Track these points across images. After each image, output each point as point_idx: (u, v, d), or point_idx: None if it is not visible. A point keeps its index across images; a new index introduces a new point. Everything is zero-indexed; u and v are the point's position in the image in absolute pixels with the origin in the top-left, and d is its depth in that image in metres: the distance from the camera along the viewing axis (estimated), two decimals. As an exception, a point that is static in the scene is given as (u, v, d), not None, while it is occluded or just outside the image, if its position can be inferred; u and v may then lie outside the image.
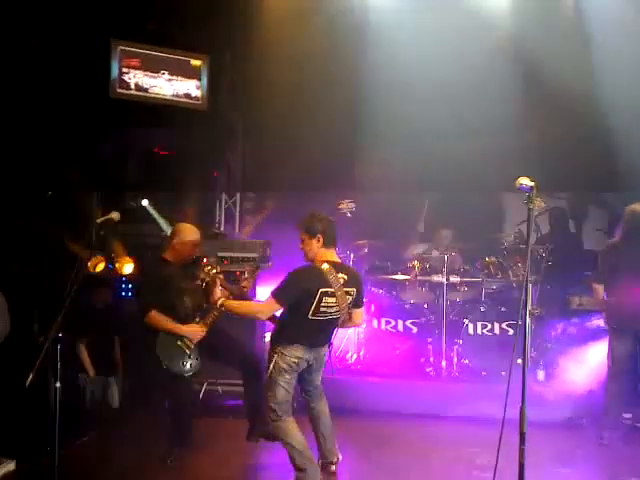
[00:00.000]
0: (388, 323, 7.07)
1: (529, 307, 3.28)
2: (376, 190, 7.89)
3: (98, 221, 3.57)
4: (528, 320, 3.28)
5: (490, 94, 7.17)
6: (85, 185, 7.39)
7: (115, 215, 3.65)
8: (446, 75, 7.36)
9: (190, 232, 4.92)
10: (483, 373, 6.48)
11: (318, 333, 4.34)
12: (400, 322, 7.09)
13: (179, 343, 4.69)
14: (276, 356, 4.22)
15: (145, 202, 7.96)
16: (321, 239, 4.29)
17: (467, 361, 6.68)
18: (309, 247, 4.31)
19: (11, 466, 4.30)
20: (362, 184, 7.85)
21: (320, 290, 4.16)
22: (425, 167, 8.27)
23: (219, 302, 4.40)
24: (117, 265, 7.40)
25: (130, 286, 7.43)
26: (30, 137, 6.88)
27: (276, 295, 4.18)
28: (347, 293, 4.29)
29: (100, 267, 7.10)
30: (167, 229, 7.77)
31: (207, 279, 4.62)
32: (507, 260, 6.97)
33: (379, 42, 7.90)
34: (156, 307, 4.66)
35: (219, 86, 8.48)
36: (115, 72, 7.92)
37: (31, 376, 3.06)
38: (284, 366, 4.21)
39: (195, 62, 8.28)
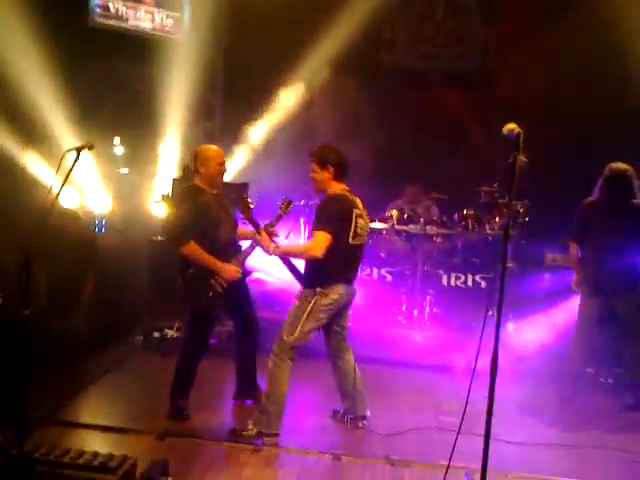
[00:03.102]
0: (363, 270, 7.05)
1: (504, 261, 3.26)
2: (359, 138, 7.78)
3: (72, 147, 3.42)
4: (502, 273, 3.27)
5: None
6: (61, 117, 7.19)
7: (88, 143, 3.51)
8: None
9: (211, 152, 4.54)
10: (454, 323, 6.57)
11: (355, 263, 4.37)
12: (375, 270, 7.10)
13: (212, 281, 4.41)
14: (316, 296, 4.16)
15: (117, 140, 7.79)
16: (332, 170, 4.23)
17: (438, 311, 6.75)
18: (320, 177, 4.26)
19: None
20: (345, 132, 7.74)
21: (354, 211, 4.21)
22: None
23: (271, 248, 4.25)
24: (91, 200, 7.28)
25: (103, 222, 7.30)
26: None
27: (321, 226, 4.09)
28: (367, 216, 4.39)
29: (74, 201, 6.96)
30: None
31: (248, 215, 4.47)
32: (484, 213, 6.98)
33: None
34: (193, 238, 4.33)
35: (201, 20, 8.22)
36: (95, 0, 7.63)
37: (-1, 300, 2.99)
38: (323, 305, 4.17)
39: (177, -6, 8.01)
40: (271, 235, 4.38)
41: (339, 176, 4.28)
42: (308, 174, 4.35)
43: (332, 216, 4.14)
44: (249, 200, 4.43)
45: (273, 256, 4.37)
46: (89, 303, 6.07)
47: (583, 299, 5.48)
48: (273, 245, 4.27)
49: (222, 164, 4.57)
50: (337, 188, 4.27)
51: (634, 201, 5.20)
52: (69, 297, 5.96)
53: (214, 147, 4.63)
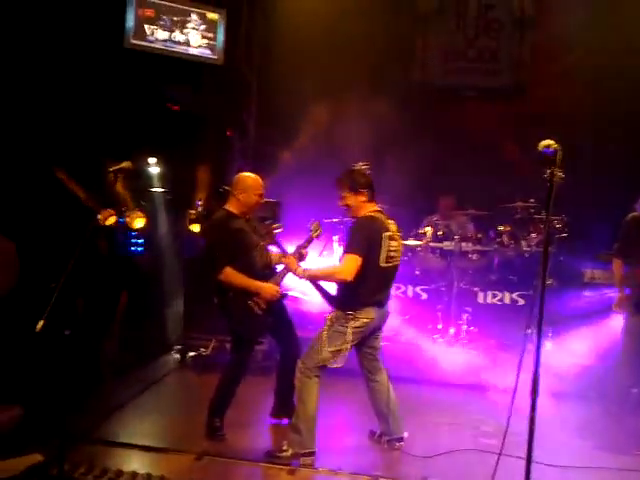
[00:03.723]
0: (398, 288, 7.03)
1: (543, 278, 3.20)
2: (392, 155, 7.75)
3: (110, 169, 3.48)
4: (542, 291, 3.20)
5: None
6: (96, 138, 7.29)
7: (127, 164, 3.57)
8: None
9: (252, 181, 4.61)
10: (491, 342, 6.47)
11: (387, 286, 4.34)
12: (410, 288, 7.07)
13: (250, 302, 4.47)
14: (347, 318, 4.15)
15: (152, 160, 7.88)
16: (366, 194, 4.25)
17: (475, 329, 6.66)
18: (354, 203, 4.26)
19: (18, 412, 4.31)
20: (378, 149, 7.71)
21: (384, 234, 4.19)
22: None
23: (299, 271, 4.25)
24: (128, 219, 7.36)
25: (141, 241, 7.38)
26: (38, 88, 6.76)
27: (351, 249, 4.08)
28: (400, 237, 4.37)
29: (111, 220, 7.04)
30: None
31: (268, 239, 4.51)
32: (520, 230, 6.89)
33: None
34: (229, 263, 4.40)
35: (235, 41, 8.33)
36: (130, 22, 7.75)
37: (41, 322, 3.02)
38: (353, 328, 4.15)
39: (212, 15, 8.10)
40: (302, 257, 4.42)
41: (372, 198, 4.30)
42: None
43: (362, 239, 4.12)
44: (274, 225, 4.45)
45: (301, 279, 4.36)
46: (124, 321, 6.13)
47: (628, 317, 5.33)
48: (301, 269, 4.26)
49: (261, 195, 4.63)
50: (368, 210, 4.27)
51: None
52: (104, 316, 6.02)
53: (254, 176, 4.69)
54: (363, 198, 4.25)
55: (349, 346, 4.20)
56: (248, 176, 4.68)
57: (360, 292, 4.15)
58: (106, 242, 6.48)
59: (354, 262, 4.05)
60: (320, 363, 4.18)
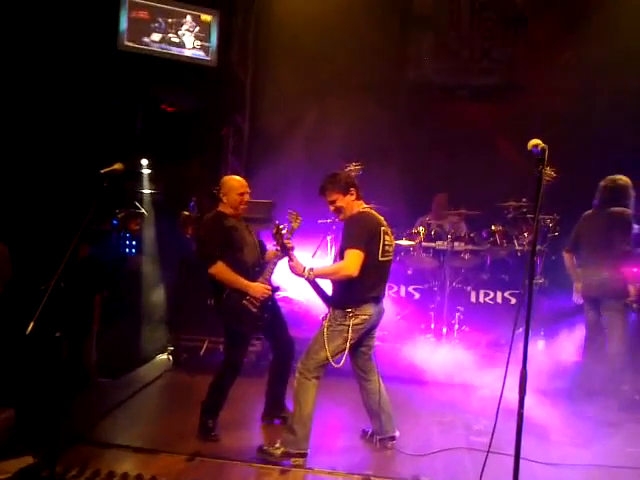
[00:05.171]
0: (390, 288, 7.05)
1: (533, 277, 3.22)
2: (385, 155, 7.77)
3: (102, 171, 3.49)
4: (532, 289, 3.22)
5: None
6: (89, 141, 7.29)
7: (119, 166, 3.57)
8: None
9: (233, 182, 4.74)
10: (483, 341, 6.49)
11: (383, 281, 4.35)
12: (402, 288, 7.10)
13: (244, 302, 4.49)
14: (347, 316, 4.15)
15: (145, 162, 7.90)
16: (354, 192, 4.30)
17: (467, 328, 6.69)
18: (345, 204, 4.28)
19: (10, 414, 4.32)
20: (371, 149, 7.73)
21: (381, 228, 4.24)
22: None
23: (306, 270, 4.22)
24: (122, 221, 7.37)
25: (134, 242, 7.39)
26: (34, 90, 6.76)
27: (352, 244, 4.08)
28: (392, 232, 4.42)
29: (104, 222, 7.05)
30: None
31: (280, 240, 4.43)
32: (513, 229, 6.90)
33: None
34: (220, 259, 4.48)
35: (229, 43, 8.35)
36: (124, 24, 7.77)
37: (32, 325, 3.03)
38: (354, 325, 4.16)
39: (205, 17, 8.14)
40: (286, 248, 4.37)
41: (359, 195, 4.35)
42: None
43: (362, 234, 4.14)
44: (281, 226, 4.45)
45: (307, 279, 4.30)
46: (115, 323, 6.10)
47: (585, 313, 5.60)
48: (307, 269, 4.23)
49: (243, 194, 4.73)
50: (360, 207, 4.32)
51: (613, 209, 5.31)
52: (82, 318, 5.99)
53: (237, 178, 4.85)
54: (353, 197, 4.29)
55: (349, 345, 4.18)
56: (231, 178, 4.86)
57: (358, 288, 4.15)
58: (87, 244, 6.42)
59: (358, 257, 4.05)
60: (320, 363, 4.18)
